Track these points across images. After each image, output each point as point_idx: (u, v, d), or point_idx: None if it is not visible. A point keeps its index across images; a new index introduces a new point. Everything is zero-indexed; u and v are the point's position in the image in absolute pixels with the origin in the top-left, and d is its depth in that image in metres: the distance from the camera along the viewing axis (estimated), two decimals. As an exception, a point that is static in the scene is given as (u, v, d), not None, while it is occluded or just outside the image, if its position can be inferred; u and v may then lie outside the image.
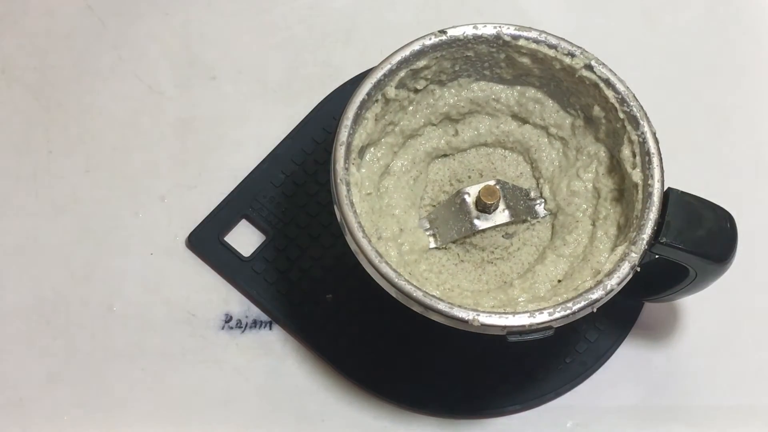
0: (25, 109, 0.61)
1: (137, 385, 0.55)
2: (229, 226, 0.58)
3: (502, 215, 0.51)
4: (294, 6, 0.65)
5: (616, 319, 0.56)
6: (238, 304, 0.56)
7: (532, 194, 0.53)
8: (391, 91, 0.49)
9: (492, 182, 0.51)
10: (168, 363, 0.55)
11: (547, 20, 0.61)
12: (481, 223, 0.51)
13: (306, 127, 0.60)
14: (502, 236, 0.52)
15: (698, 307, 0.56)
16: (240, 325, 0.56)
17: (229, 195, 0.58)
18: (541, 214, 0.53)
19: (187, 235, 0.57)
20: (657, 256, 0.47)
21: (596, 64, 0.49)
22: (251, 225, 0.58)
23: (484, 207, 0.50)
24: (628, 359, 0.56)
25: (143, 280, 0.57)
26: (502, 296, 0.50)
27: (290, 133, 0.60)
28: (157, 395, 0.54)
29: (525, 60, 0.50)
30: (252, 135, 0.60)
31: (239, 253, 0.57)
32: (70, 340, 0.55)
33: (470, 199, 0.51)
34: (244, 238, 0.57)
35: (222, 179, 0.59)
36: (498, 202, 0.50)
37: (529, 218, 0.52)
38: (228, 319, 0.56)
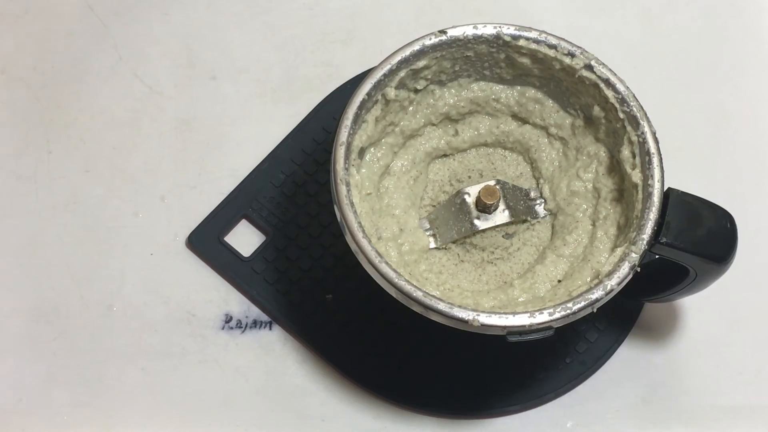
0: (25, 109, 0.61)
1: (137, 385, 0.55)
2: (229, 226, 0.58)
3: (502, 215, 0.51)
4: (294, 6, 0.65)
5: (616, 319, 0.56)
6: (238, 304, 0.56)
7: (532, 194, 0.53)
8: (391, 92, 0.49)
9: (492, 182, 0.51)
10: (168, 363, 0.55)
11: (547, 20, 0.61)
12: (481, 223, 0.51)
13: (306, 127, 0.60)
14: (502, 236, 0.52)
15: (698, 307, 0.56)
16: (240, 325, 0.56)
17: (229, 195, 0.58)
18: (541, 214, 0.53)
19: (187, 235, 0.57)
20: (657, 257, 0.47)
21: (596, 64, 0.49)
22: (251, 225, 0.58)
23: (484, 207, 0.50)
24: (628, 359, 0.56)
25: (143, 280, 0.57)
26: (502, 296, 0.49)
27: (290, 133, 0.60)
28: (157, 395, 0.54)
29: (525, 60, 0.50)
30: (252, 135, 0.60)
31: (239, 253, 0.57)
32: (70, 340, 0.55)
33: (470, 199, 0.51)
34: (244, 238, 0.57)
35: (222, 179, 0.59)
36: (498, 202, 0.50)
37: (529, 218, 0.52)
38: (228, 319, 0.56)
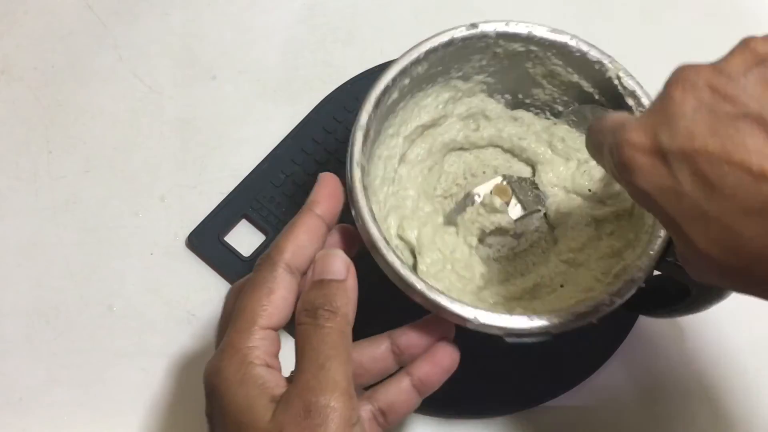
0: (25, 109, 0.61)
1: (137, 385, 0.55)
2: (229, 226, 0.58)
3: (515, 210, 0.50)
4: (294, 6, 0.65)
5: (616, 320, 0.55)
6: (238, 304, 0.56)
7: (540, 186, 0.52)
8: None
9: (499, 180, 0.51)
10: (168, 363, 0.55)
11: (548, 21, 0.60)
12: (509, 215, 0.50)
13: (306, 127, 0.60)
14: (510, 235, 0.52)
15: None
16: (240, 325, 0.56)
17: (229, 195, 0.58)
18: (549, 198, 0.52)
19: (187, 235, 0.57)
20: (656, 274, 0.46)
21: (624, 75, 0.48)
22: (251, 225, 0.58)
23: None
24: (627, 360, 0.56)
25: (143, 280, 0.57)
26: (504, 293, 0.49)
27: (290, 133, 0.60)
28: (157, 395, 0.54)
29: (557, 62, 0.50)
30: (252, 135, 0.60)
31: (239, 253, 0.57)
32: (70, 340, 0.55)
33: (479, 200, 0.51)
34: (244, 238, 0.57)
35: (222, 179, 0.59)
36: (510, 199, 0.50)
37: (539, 207, 0.52)
38: (228, 319, 0.56)
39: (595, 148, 0.38)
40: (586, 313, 0.44)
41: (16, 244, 0.58)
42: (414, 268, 0.48)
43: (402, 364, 0.46)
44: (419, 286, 0.44)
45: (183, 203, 0.59)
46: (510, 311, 0.45)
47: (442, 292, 0.44)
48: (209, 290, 0.57)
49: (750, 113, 0.31)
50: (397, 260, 0.44)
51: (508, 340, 0.44)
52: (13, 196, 0.59)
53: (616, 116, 0.37)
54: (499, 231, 0.51)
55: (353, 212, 0.45)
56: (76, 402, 0.54)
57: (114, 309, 0.56)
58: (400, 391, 0.44)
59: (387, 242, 0.44)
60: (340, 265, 0.41)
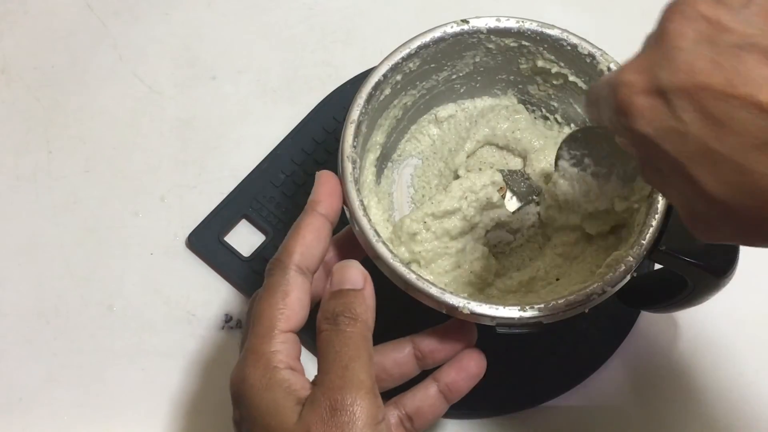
0: (25, 109, 0.61)
1: (137, 385, 0.55)
2: (229, 226, 0.58)
3: (511, 203, 0.51)
4: (294, 6, 0.65)
5: (616, 320, 0.56)
6: (238, 304, 0.56)
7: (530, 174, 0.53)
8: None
9: (490, 173, 0.51)
10: (168, 363, 0.55)
11: (548, 21, 0.61)
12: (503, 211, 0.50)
13: (306, 127, 0.60)
14: (506, 231, 0.52)
15: (698, 307, 0.56)
16: (240, 325, 0.56)
17: (229, 195, 0.58)
18: (542, 188, 0.52)
19: (187, 235, 0.57)
20: (657, 268, 0.46)
21: (615, 67, 0.48)
22: (251, 225, 0.58)
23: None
24: (627, 359, 0.56)
25: (143, 280, 0.57)
26: (501, 287, 0.49)
27: (290, 133, 0.60)
28: (157, 395, 0.54)
29: (549, 57, 0.50)
30: (252, 135, 0.60)
31: (239, 253, 0.57)
32: (70, 340, 0.55)
33: (476, 197, 0.50)
34: (244, 238, 0.57)
35: (222, 179, 0.59)
36: (505, 192, 0.50)
37: (534, 197, 0.52)
38: (228, 319, 0.56)
39: (593, 104, 0.36)
40: (577, 303, 0.43)
41: (16, 244, 0.58)
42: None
43: (424, 368, 0.46)
44: (411, 277, 0.44)
45: (183, 203, 0.59)
46: (504, 303, 0.44)
47: (433, 284, 0.44)
48: (209, 290, 0.57)
49: (754, 44, 0.29)
50: (387, 252, 0.44)
51: (500, 330, 0.44)
52: (13, 196, 0.59)
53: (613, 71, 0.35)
54: (498, 226, 0.51)
55: (345, 207, 0.45)
56: (76, 402, 0.54)
57: (114, 309, 0.56)
58: (427, 396, 0.44)
59: (377, 234, 0.44)
60: (357, 275, 0.41)
